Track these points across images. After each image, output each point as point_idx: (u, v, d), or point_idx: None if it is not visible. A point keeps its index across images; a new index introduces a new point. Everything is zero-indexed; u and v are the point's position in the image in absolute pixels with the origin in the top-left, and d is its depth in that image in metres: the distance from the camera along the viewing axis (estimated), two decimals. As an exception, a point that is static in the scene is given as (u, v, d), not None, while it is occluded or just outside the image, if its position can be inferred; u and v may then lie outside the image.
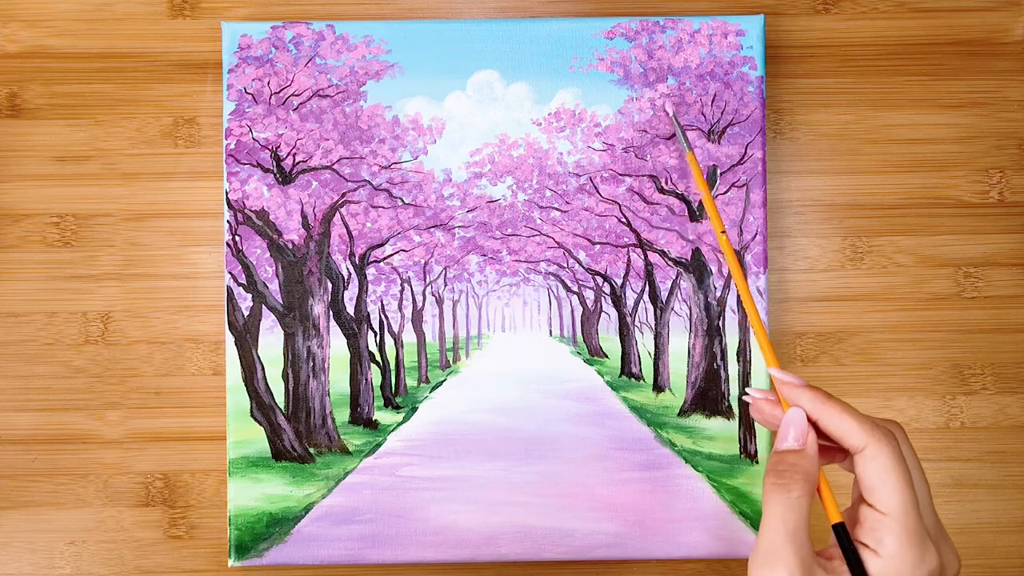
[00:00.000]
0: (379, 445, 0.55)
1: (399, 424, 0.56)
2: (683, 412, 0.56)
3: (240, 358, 0.55)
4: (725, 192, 0.55)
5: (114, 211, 0.58)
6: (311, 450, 0.55)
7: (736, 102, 0.55)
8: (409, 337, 0.57)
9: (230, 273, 0.55)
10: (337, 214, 0.55)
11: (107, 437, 0.57)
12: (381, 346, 0.56)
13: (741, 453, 0.55)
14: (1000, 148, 0.58)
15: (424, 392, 0.57)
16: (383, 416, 0.56)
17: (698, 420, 0.56)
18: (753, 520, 0.54)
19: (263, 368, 0.55)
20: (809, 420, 0.40)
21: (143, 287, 0.58)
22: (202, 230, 0.58)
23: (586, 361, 0.57)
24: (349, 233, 0.56)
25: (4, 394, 0.57)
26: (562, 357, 0.57)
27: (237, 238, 0.55)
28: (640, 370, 0.57)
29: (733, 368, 0.55)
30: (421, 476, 0.55)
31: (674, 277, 0.56)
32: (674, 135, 0.55)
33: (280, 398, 0.55)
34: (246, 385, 0.55)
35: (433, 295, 0.56)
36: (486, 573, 0.57)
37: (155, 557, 0.57)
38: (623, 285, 0.56)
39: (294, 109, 0.55)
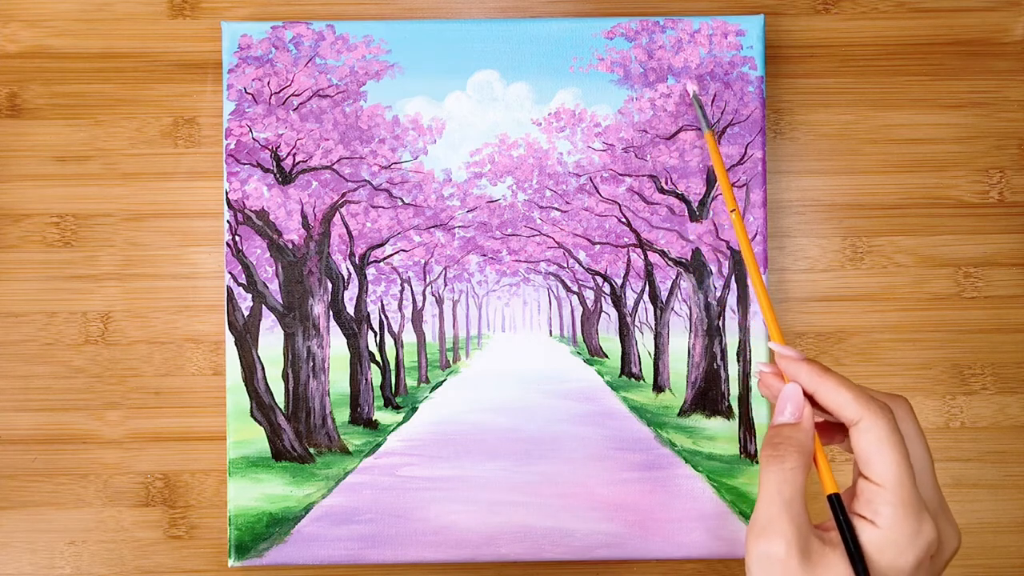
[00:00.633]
0: (379, 445, 0.55)
1: (399, 424, 0.56)
2: (683, 412, 0.56)
3: (240, 358, 0.55)
4: (725, 192, 0.55)
5: (114, 211, 0.58)
6: (311, 450, 0.55)
7: (736, 102, 0.55)
8: (409, 337, 0.57)
9: (230, 273, 0.55)
10: (337, 214, 0.55)
11: (107, 437, 0.57)
12: (381, 346, 0.56)
13: (741, 453, 0.55)
14: (1000, 148, 0.58)
15: (424, 392, 0.57)
16: (383, 416, 0.56)
17: (698, 420, 0.56)
18: (753, 520, 0.54)
19: (263, 368, 0.55)
20: (806, 394, 0.40)
21: (143, 287, 0.58)
22: (202, 230, 0.58)
23: (586, 361, 0.57)
24: (349, 233, 0.56)
25: (4, 394, 0.57)
26: (562, 357, 0.57)
27: (237, 238, 0.55)
28: (640, 370, 0.57)
29: (733, 368, 0.55)
30: (421, 476, 0.55)
31: (674, 277, 0.56)
32: (675, 134, 0.55)
33: (280, 398, 0.55)
34: (246, 385, 0.55)
35: (433, 295, 0.56)
36: (486, 573, 0.57)
37: (155, 557, 0.57)
38: (623, 285, 0.56)
39: (294, 109, 0.55)
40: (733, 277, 0.55)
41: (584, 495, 0.55)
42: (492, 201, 0.56)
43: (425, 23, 0.55)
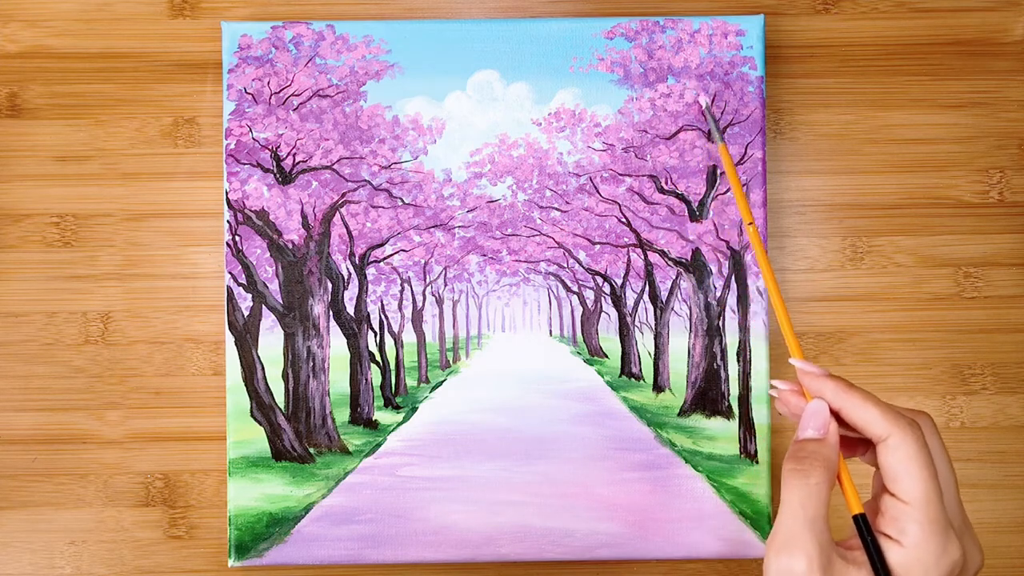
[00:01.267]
0: (379, 445, 0.55)
1: (399, 424, 0.56)
2: (683, 412, 0.56)
3: (240, 358, 0.55)
4: (725, 192, 0.55)
5: (114, 211, 0.58)
6: (311, 450, 0.55)
7: (736, 102, 0.55)
8: (409, 337, 0.57)
9: (230, 273, 0.55)
10: (337, 214, 0.55)
11: (107, 437, 0.57)
12: (381, 346, 0.56)
13: (741, 453, 0.55)
14: (1000, 148, 0.58)
15: (424, 392, 0.57)
16: (383, 416, 0.56)
17: (698, 420, 0.56)
18: (753, 520, 0.54)
19: (263, 368, 0.55)
20: (831, 410, 0.39)
21: (143, 287, 0.58)
22: (202, 230, 0.58)
23: (586, 361, 0.57)
24: (349, 233, 0.56)
25: (4, 394, 0.57)
26: (562, 357, 0.57)
27: (237, 238, 0.55)
28: (640, 370, 0.57)
29: (733, 368, 0.55)
30: (421, 476, 0.55)
31: (674, 277, 0.56)
32: (675, 134, 0.55)
33: (280, 398, 0.55)
34: (246, 385, 0.55)
35: (433, 295, 0.56)
36: (486, 573, 0.57)
37: (155, 557, 0.57)
38: (623, 285, 0.56)
39: (294, 109, 0.55)
40: (733, 277, 0.55)
41: (584, 495, 0.55)
42: (492, 201, 0.56)
43: (425, 23, 0.55)
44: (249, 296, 0.55)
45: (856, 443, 0.41)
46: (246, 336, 0.55)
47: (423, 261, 0.56)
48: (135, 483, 0.57)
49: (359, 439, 0.56)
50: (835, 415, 0.39)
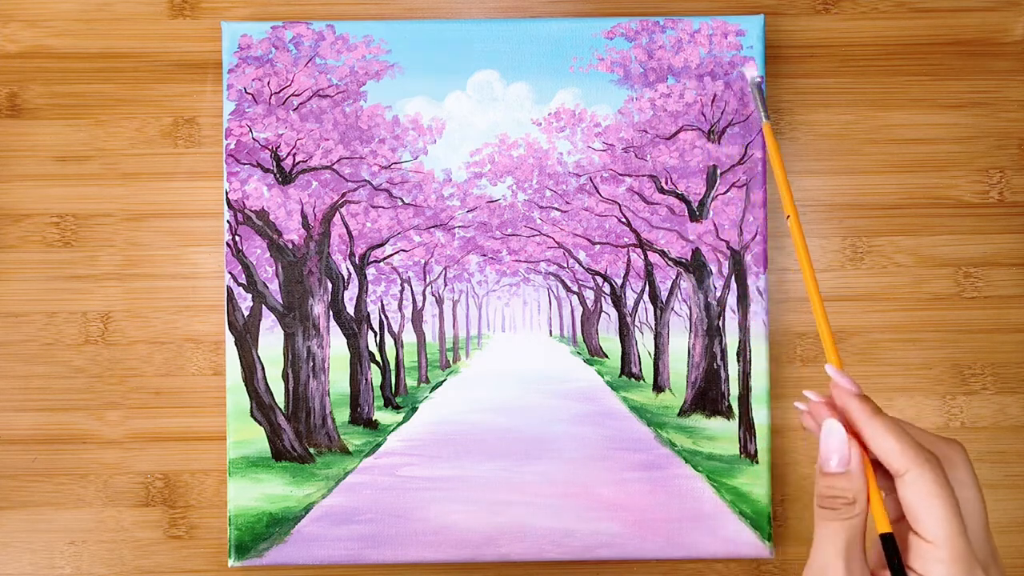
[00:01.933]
0: (379, 445, 0.55)
1: (399, 424, 0.56)
2: (683, 412, 0.56)
3: (240, 358, 0.55)
4: (725, 192, 0.55)
5: (114, 211, 0.58)
6: (311, 450, 0.55)
7: (736, 102, 0.55)
8: (409, 337, 0.57)
9: (230, 273, 0.55)
10: (337, 214, 0.55)
11: (107, 437, 0.57)
12: (381, 346, 0.56)
13: (741, 453, 0.55)
14: (1000, 148, 0.58)
15: (424, 392, 0.57)
16: (383, 416, 0.56)
17: (698, 420, 0.56)
18: (753, 520, 0.54)
19: (263, 368, 0.55)
20: (854, 431, 0.38)
21: (143, 287, 0.58)
22: (202, 230, 0.58)
23: (586, 361, 0.57)
24: (349, 233, 0.56)
25: (4, 394, 0.57)
26: (562, 357, 0.57)
27: (237, 238, 0.55)
28: (640, 370, 0.57)
29: (733, 368, 0.55)
30: (421, 476, 0.55)
31: (674, 277, 0.56)
32: (675, 134, 0.55)
33: (280, 398, 0.55)
34: (246, 385, 0.55)
35: (433, 295, 0.56)
36: (486, 573, 0.57)
37: (155, 557, 0.57)
38: (623, 285, 0.56)
39: (294, 109, 0.55)
40: (733, 277, 0.55)
41: (584, 495, 0.55)
42: (492, 201, 0.56)
43: (425, 23, 0.55)
44: (249, 296, 0.55)
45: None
46: (246, 336, 0.55)
47: (423, 261, 0.56)
48: (135, 483, 0.57)
49: (359, 439, 0.56)
50: (856, 437, 0.38)
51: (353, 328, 0.56)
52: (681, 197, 0.56)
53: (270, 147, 0.55)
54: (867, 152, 0.58)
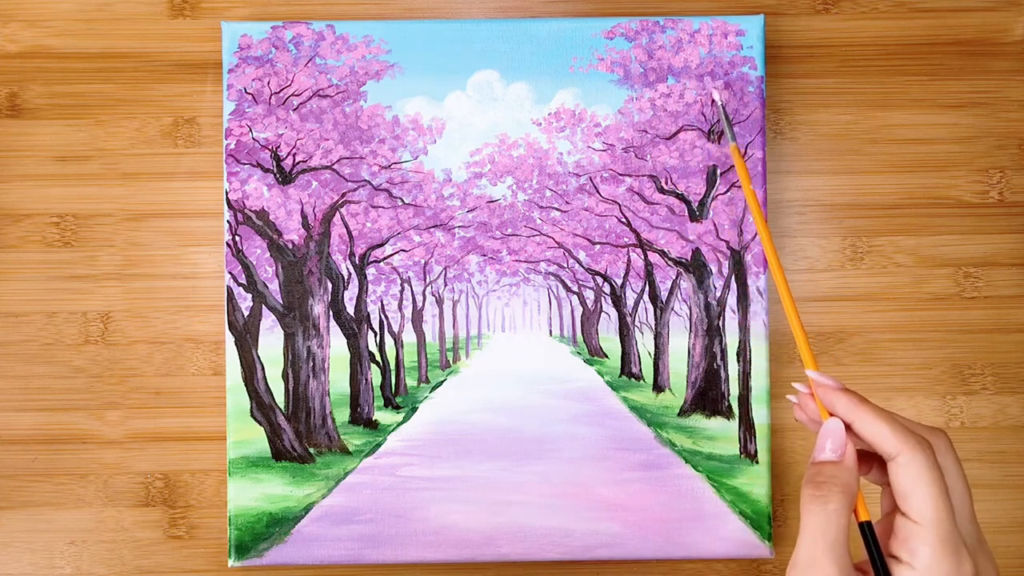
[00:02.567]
0: (379, 445, 0.55)
1: (399, 424, 0.56)
2: (683, 412, 0.56)
3: (240, 358, 0.55)
4: (725, 192, 0.55)
5: (114, 211, 0.58)
6: (311, 450, 0.55)
7: (736, 102, 0.55)
8: (409, 337, 0.57)
9: (230, 273, 0.55)
10: (337, 214, 0.55)
11: (107, 437, 0.57)
12: (381, 346, 0.56)
13: (741, 453, 0.55)
14: (1000, 148, 0.58)
15: (424, 392, 0.57)
16: (383, 416, 0.56)
17: (698, 420, 0.56)
18: (753, 520, 0.54)
19: (263, 368, 0.55)
20: (843, 423, 0.39)
21: (143, 287, 0.58)
22: (202, 230, 0.58)
23: (586, 361, 0.57)
24: (349, 233, 0.56)
25: (4, 394, 0.57)
26: (562, 357, 0.57)
27: (237, 238, 0.55)
28: (640, 370, 0.57)
29: (733, 368, 0.55)
30: (421, 476, 0.55)
31: (674, 277, 0.56)
32: (675, 134, 0.55)
33: (280, 398, 0.55)
34: (246, 385, 0.55)
35: (433, 295, 0.56)
36: (486, 573, 0.57)
37: (155, 557, 0.57)
38: (623, 285, 0.56)
39: (294, 109, 0.55)
40: (733, 277, 0.55)
41: (584, 495, 0.55)
42: (492, 201, 0.56)
43: (425, 23, 0.55)
44: (249, 296, 0.55)
45: (860, 461, 0.41)
46: (246, 336, 0.55)
47: (423, 261, 0.56)
48: (135, 483, 0.57)
49: (359, 439, 0.56)
50: (847, 429, 0.39)
51: (353, 328, 0.56)
52: (681, 197, 0.56)
53: (270, 147, 0.55)
54: (867, 152, 0.58)
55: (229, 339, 0.55)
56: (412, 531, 0.54)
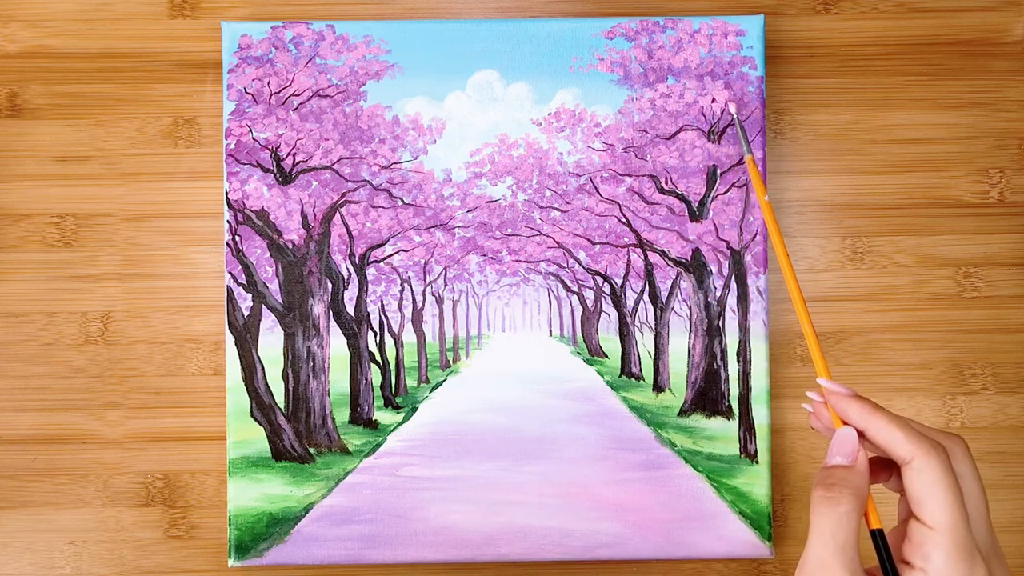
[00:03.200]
0: (379, 445, 0.55)
1: (399, 424, 0.56)
2: (683, 412, 0.56)
3: (240, 358, 0.55)
4: (725, 192, 0.55)
5: (114, 211, 0.58)
6: (311, 450, 0.55)
7: (736, 102, 0.55)
8: (409, 337, 0.57)
9: (230, 273, 0.55)
10: (337, 214, 0.55)
11: (107, 437, 0.57)
12: (381, 346, 0.56)
13: (741, 453, 0.55)
14: (1000, 148, 0.58)
15: (424, 392, 0.57)
16: (383, 416, 0.56)
17: (698, 420, 0.56)
18: (753, 520, 0.54)
19: (263, 368, 0.55)
20: (857, 430, 0.39)
21: (143, 287, 0.58)
22: (202, 230, 0.58)
23: (586, 361, 0.57)
24: (349, 233, 0.56)
25: (4, 394, 0.57)
26: (562, 357, 0.57)
27: (237, 238, 0.55)
28: (640, 370, 0.57)
29: (733, 368, 0.55)
30: (421, 476, 0.55)
31: (674, 277, 0.56)
32: (675, 134, 0.55)
33: (280, 398, 0.55)
34: (246, 385, 0.55)
35: (433, 295, 0.56)
36: (486, 573, 0.57)
37: (155, 557, 0.57)
38: (623, 285, 0.56)
39: (294, 109, 0.55)
40: (733, 277, 0.55)
41: (584, 495, 0.55)
42: (492, 201, 0.56)
43: (425, 23, 0.55)
44: (249, 296, 0.55)
45: (879, 468, 0.41)
46: (246, 336, 0.55)
47: (423, 261, 0.56)
48: (135, 483, 0.57)
49: (359, 439, 0.56)
50: (860, 436, 0.39)
51: (353, 328, 0.56)
52: (681, 197, 0.56)
53: (270, 147, 0.55)
54: (867, 152, 0.58)
55: (229, 339, 0.55)
56: (412, 531, 0.54)
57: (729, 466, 0.55)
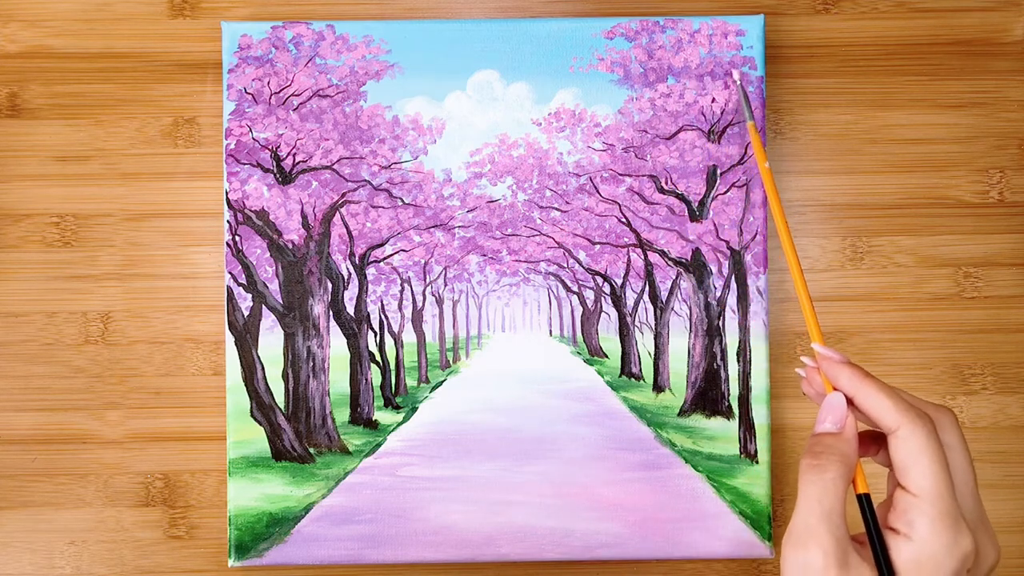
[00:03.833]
0: (379, 445, 0.55)
1: (399, 424, 0.56)
2: (683, 412, 0.56)
3: (240, 358, 0.55)
4: (725, 192, 0.55)
5: (114, 211, 0.58)
6: (311, 450, 0.55)
7: (736, 102, 0.55)
8: (409, 337, 0.57)
9: (230, 273, 0.55)
10: (337, 214, 0.55)
11: (107, 437, 0.57)
12: (381, 346, 0.56)
13: (741, 453, 0.55)
14: (1000, 148, 0.58)
15: (424, 392, 0.57)
16: (383, 416, 0.56)
17: (698, 420, 0.56)
18: (753, 520, 0.54)
19: (263, 368, 0.55)
20: (847, 398, 0.39)
21: (143, 287, 0.58)
22: (202, 230, 0.58)
23: (586, 361, 0.57)
24: (349, 233, 0.56)
25: (4, 394, 0.57)
26: (562, 357, 0.57)
27: (237, 238, 0.55)
28: (640, 370, 0.57)
29: (733, 368, 0.55)
30: (421, 476, 0.55)
31: (674, 277, 0.56)
32: (675, 134, 0.55)
33: (280, 398, 0.55)
34: (246, 385, 0.55)
35: (433, 295, 0.56)
36: (486, 573, 0.57)
37: (155, 557, 0.57)
38: (623, 285, 0.56)
39: (294, 109, 0.55)
40: (733, 277, 0.55)
41: (584, 495, 0.55)
42: (492, 201, 0.56)
43: (425, 23, 0.55)
44: (249, 296, 0.55)
45: (869, 442, 0.41)
46: (246, 336, 0.55)
47: (423, 261, 0.56)
48: (135, 483, 0.57)
49: (359, 439, 0.56)
50: (849, 404, 0.39)
51: (353, 328, 0.56)
52: (681, 197, 0.56)
53: (270, 147, 0.55)
54: (867, 152, 0.58)
55: (229, 339, 0.55)
56: (412, 531, 0.54)
57: (729, 466, 0.55)
